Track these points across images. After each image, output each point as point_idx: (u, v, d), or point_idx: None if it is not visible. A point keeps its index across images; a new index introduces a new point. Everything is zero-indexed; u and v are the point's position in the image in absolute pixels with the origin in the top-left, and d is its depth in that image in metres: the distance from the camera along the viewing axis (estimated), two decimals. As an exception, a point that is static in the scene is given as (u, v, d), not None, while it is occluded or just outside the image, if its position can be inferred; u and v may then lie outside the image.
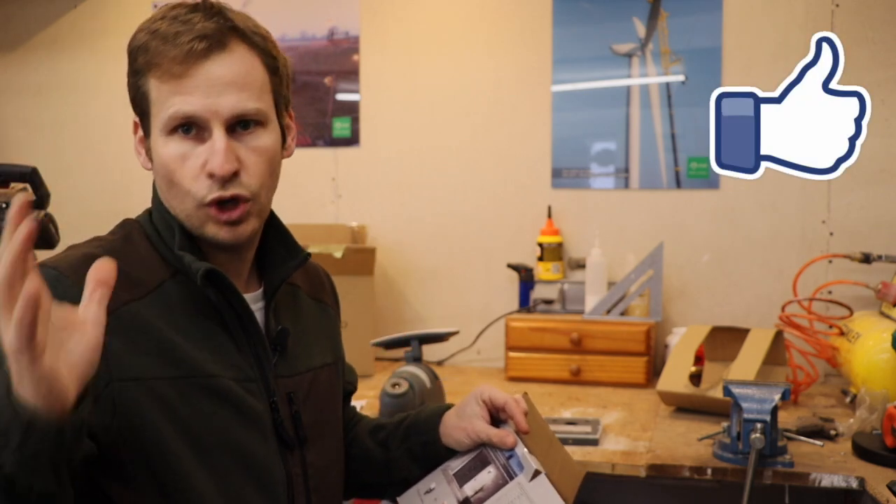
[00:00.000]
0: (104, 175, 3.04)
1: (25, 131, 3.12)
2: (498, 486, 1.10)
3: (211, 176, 0.98)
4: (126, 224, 1.07)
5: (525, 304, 2.57)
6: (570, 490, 1.18)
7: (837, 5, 2.37)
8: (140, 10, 2.97)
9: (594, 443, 1.77)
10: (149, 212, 1.08)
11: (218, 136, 0.98)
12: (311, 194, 2.80)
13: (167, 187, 1.01)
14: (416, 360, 2.00)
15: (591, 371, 2.35)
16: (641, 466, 1.65)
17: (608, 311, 2.41)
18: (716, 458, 1.65)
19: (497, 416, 1.18)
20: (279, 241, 1.13)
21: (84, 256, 0.96)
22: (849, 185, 2.37)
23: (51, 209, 2.47)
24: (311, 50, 2.79)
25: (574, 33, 2.58)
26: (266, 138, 1.03)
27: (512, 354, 2.43)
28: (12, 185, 2.49)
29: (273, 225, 1.13)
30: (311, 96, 2.80)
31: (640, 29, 2.52)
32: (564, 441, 1.77)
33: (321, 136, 2.80)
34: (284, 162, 1.10)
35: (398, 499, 1.21)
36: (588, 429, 1.82)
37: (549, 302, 2.53)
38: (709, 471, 1.61)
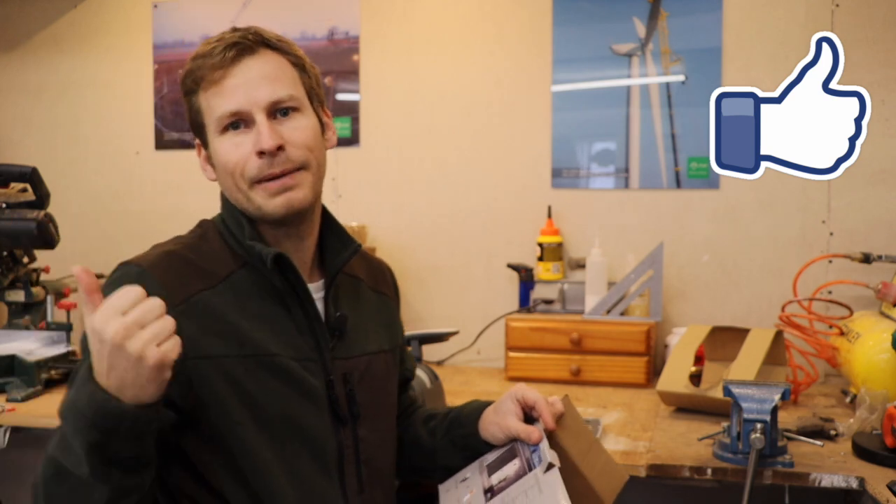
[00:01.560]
0: (103, 175, 3.04)
1: (25, 131, 3.12)
2: (518, 477, 1.18)
3: (260, 154, 1.12)
4: (203, 224, 1.23)
5: (525, 304, 2.57)
6: (610, 492, 1.25)
7: (837, 5, 2.37)
8: (140, 10, 2.97)
9: (594, 443, 1.77)
10: (220, 214, 1.24)
11: (260, 119, 1.12)
12: (311, 194, 2.79)
13: (228, 179, 1.15)
14: (416, 360, 2.00)
15: (591, 371, 2.35)
16: (641, 466, 1.65)
17: (608, 311, 2.41)
18: (716, 458, 1.64)
19: (530, 415, 1.27)
20: (334, 235, 1.27)
21: (164, 254, 1.12)
22: (849, 185, 2.37)
23: (50, 209, 2.47)
24: (311, 50, 2.79)
25: (574, 33, 2.58)
26: (304, 120, 1.17)
27: (512, 354, 2.43)
28: (12, 184, 2.49)
29: (328, 221, 1.27)
30: (311, 96, 2.80)
31: (640, 29, 2.52)
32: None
33: (321, 136, 2.80)
34: None
35: (439, 485, 1.32)
36: (588, 429, 1.82)
37: (549, 302, 2.53)
38: (709, 471, 1.61)
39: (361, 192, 2.79)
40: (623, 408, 2.09)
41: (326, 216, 1.27)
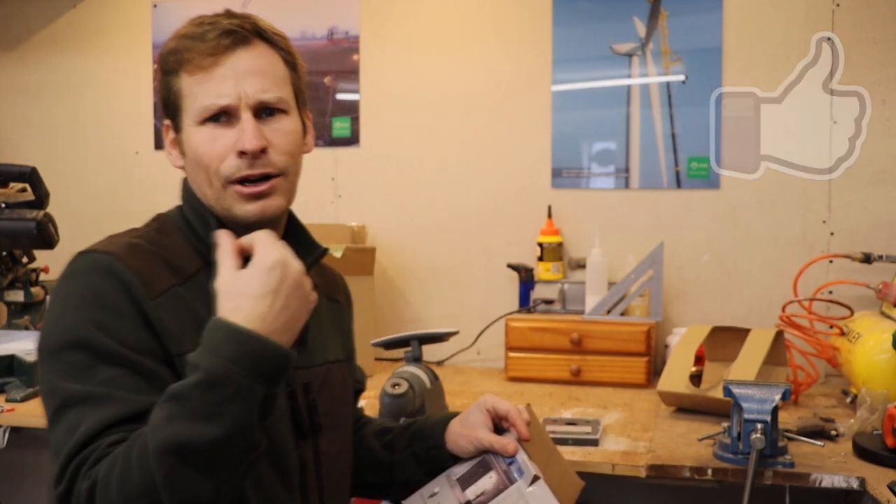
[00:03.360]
0: (103, 175, 3.04)
1: (25, 131, 3.12)
2: (498, 491, 1.14)
3: (241, 154, 1.05)
4: (159, 218, 1.15)
5: (525, 304, 2.57)
6: (569, 499, 1.23)
7: (838, 5, 2.37)
8: (139, 10, 2.97)
9: (594, 443, 1.77)
10: (179, 208, 1.15)
11: (246, 118, 1.05)
12: (311, 194, 2.79)
13: (199, 173, 1.07)
14: (416, 360, 2.00)
15: (592, 371, 2.35)
16: (642, 467, 1.65)
17: (608, 312, 2.40)
18: (716, 459, 1.64)
19: (500, 425, 1.22)
20: (297, 237, 1.18)
21: (130, 245, 1.04)
22: (849, 185, 2.37)
23: (50, 209, 2.47)
24: (311, 50, 2.79)
25: (574, 33, 2.58)
26: (289, 123, 1.10)
27: (512, 354, 2.43)
28: (11, 184, 2.49)
29: (291, 222, 1.19)
30: (310, 96, 2.78)
31: (641, 28, 2.52)
32: (564, 441, 1.77)
33: (321, 136, 2.80)
34: None
35: (403, 502, 1.24)
36: (588, 429, 1.82)
37: (549, 302, 2.53)
38: (709, 471, 1.61)
39: (361, 192, 2.79)
40: (623, 408, 2.09)
41: (291, 219, 1.19)
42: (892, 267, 2.25)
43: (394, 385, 1.85)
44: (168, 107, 1.10)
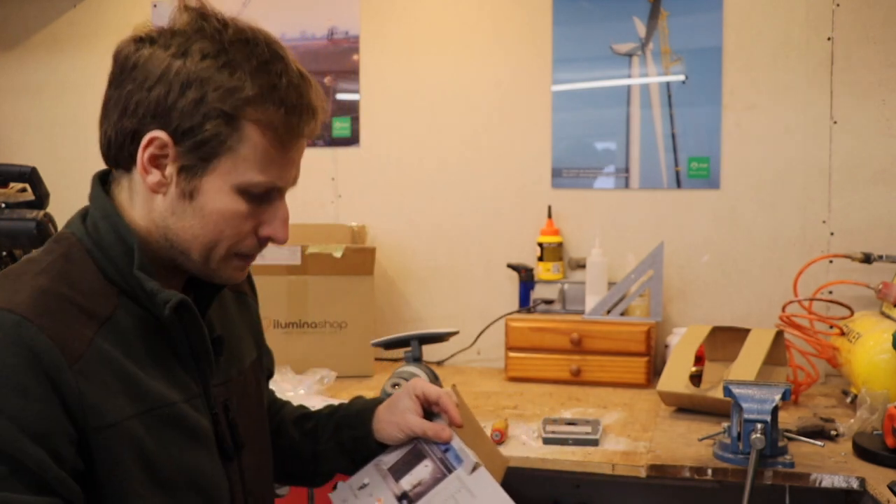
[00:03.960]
0: (104, 175, 3.03)
1: (24, 131, 3.12)
2: (436, 480, 1.10)
3: (267, 240, 1.01)
4: (62, 241, 0.98)
5: (525, 304, 2.57)
6: (498, 478, 1.18)
7: (838, 5, 2.37)
8: (139, 10, 2.96)
9: (594, 443, 1.77)
10: (82, 222, 0.99)
11: (283, 205, 1.01)
12: (311, 194, 2.79)
13: (206, 232, 0.97)
14: (416, 360, 2.00)
15: (592, 371, 2.35)
16: (642, 467, 1.65)
17: (608, 312, 2.40)
18: (716, 459, 1.64)
19: (429, 411, 1.19)
20: None
21: (40, 293, 0.89)
22: (849, 185, 2.37)
23: (50, 209, 2.46)
24: (311, 50, 2.79)
25: (574, 33, 2.58)
26: None
27: (512, 354, 2.43)
28: (11, 184, 2.49)
29: None
30: (310, 96, 2.80)
31: (641, 28, 2.52)
32: (564, 441, 1.77)
33: (321, 136, 2.80)
34: None
35: (330, 495, 1.19)
36: (588, 429, 1.82)
37: (549, 302, 2.53)
38: (709, 471, 1.61)
39: (361, 192, 2.79)
40: (623, 408, 2.09)
41: None
42: (892, 267, 2.25)
43: (394, 385, 1.85)
44: (187, 136, 0.93)
